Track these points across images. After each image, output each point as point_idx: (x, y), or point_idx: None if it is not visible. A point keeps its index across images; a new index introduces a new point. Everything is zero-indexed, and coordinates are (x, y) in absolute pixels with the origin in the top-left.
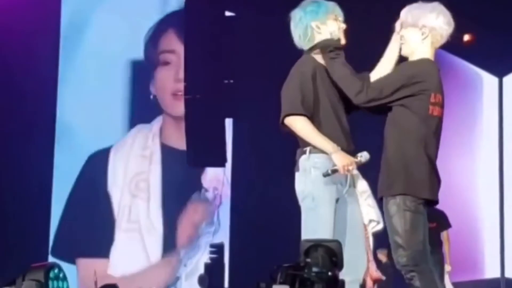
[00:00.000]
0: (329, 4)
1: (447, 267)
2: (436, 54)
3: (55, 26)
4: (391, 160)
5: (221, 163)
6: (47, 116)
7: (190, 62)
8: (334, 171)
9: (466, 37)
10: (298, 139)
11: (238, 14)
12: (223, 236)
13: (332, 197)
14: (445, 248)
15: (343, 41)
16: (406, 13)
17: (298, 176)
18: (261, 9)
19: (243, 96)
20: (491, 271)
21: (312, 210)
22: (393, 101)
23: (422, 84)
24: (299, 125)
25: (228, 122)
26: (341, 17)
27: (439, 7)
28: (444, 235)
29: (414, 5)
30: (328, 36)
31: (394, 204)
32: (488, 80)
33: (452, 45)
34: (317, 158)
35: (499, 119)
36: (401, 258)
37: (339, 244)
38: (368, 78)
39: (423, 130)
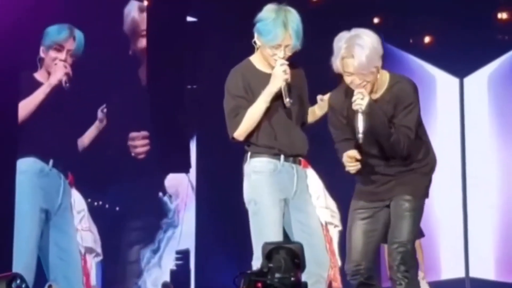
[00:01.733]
0: None
1: (421, 274)
2: (397, 56)
3: None
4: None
5: (185, 169)
6: None
7: (152, 68)
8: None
9: (426, 39)
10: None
11: (200, 19)
12: (189, 242)
13: (275, 199)
14: (419, 256)
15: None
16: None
17: (244, 181)
18: (223, 13)
19: (206, 101)
20: (456, 271)
21: (256, 214)
22: None
23: None
24: (240, 129)
25: (192, 128)
26: None
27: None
28: (417, 243)
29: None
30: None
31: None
32: (449, 81)
33: (412, 47)
34: (256, 162)
35: (460, 120)
36: None
37: (300, 245)
38: None
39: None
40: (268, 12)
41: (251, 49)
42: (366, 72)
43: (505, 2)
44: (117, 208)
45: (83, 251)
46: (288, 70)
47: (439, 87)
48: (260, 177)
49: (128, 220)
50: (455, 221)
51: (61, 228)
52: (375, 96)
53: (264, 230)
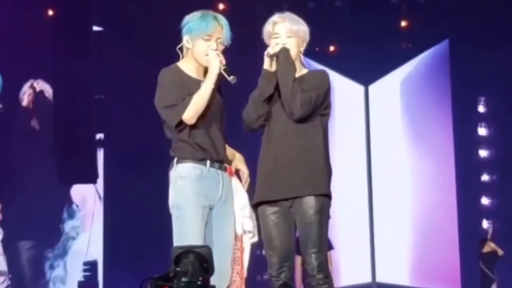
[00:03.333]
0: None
1: None
2: (305, 63)
3: None
4: (320, 161)
5: (92, 179)
6: None
7: (58, 77)
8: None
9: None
10: (171, 150)
11: (105, 28)
12: (97, 253)
13: (198, 205)
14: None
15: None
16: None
17: (170, 187)
18: (127, 23)
19: (113, 111)
20: (363, 276)
21: (178, 218)
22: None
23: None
24: (189, 111)
25: (99, 137)
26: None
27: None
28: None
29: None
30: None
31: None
32: (355, 89)
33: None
34: (182, 167)
35: (366, 126)
36: None
37: (209, 249)
38: None
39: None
40: (194, 13)
41: (160, 61)
42: (293, 36)
43: (406, 10)
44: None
45: None
46: (220, 54)
47: (345, 94)
48: (185, 182)
49: (28, 232)
50: (361, 226)
51: None
52: None
53: (185, 236)
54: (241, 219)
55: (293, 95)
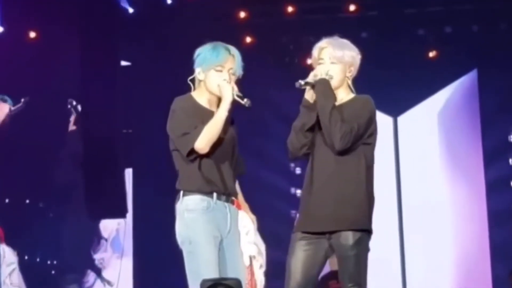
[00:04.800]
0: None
1: None
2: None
3: None
4: (360, 194)
5: (122, 214)
6: None
7: (85, 111)
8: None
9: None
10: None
11: (133, 63)
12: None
13: (210, 237)
14: None
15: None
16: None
17: (176, 220)
18: (155, 57)
19: (142, 145)
20: None
21: (191, 253)
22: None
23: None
24: (202, 139)
25: (128, 172)
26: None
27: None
28: None
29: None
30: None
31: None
32: (384, 120)
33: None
34: (189, 200)
35: (395, 157)
36: None
37: (238, 281)
38: None
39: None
40: (205, 45)
41: (183, 90)
42: (336, 62)
43: (434, 41)
44: (49, 262)
45: None
46: (232, 83)
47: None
48: (193, 215)
49: (62, 273)
50: (391, 264)
51: None
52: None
53: (200, 269)
54: (246, 245)
55: (333, 126)
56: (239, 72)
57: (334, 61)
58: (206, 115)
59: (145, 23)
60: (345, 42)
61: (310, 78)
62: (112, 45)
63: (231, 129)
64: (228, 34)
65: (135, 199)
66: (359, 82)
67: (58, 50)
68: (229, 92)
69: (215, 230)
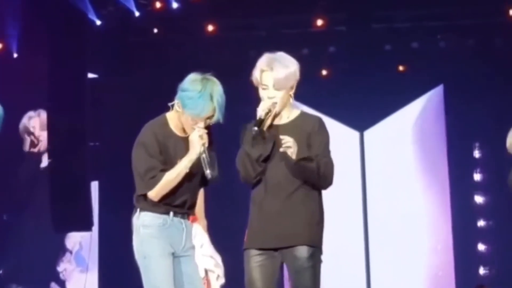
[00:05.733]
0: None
1: None
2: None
3: None
4: (318, 212)
5: (87, 227)
6: None
7: (52, 123)
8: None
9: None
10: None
11: (100, 75)
12: None
13: (164, 252)
14: None
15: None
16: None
17: (133, 235)
18: (123, 70)
19: (108, 159)
20: None
21: (146, 267)
22: None
23: None
24: (157, 190)
25: (94, 185)
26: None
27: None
28: None
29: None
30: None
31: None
32: (350, 135)
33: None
34: (145, 216)
35: (361, 172)
36: None
37: None
38: None
39: None
40: (194, 83)
41: (156, 108)
42: (280, 89)
43: (400, 56)
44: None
45: None
46: (205, 136)
47: (340, 140)
48: (149, 231)
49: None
50: (357, 277)
51: None
52: (280, 121)
53: (156, 283)
54: (200, 258)
55: (323, 179)
56: (220, 119)
57: (278, 88)
58: (176, 143)
59: (112, 35)
60: (286, 57)
61: (259, 115)
62: (80, 57)
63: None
64: (197, 47)
65: (101, 212)
66: (326, 97)
67: (25, 62)
68: (197, 151)
69: (170, 247)
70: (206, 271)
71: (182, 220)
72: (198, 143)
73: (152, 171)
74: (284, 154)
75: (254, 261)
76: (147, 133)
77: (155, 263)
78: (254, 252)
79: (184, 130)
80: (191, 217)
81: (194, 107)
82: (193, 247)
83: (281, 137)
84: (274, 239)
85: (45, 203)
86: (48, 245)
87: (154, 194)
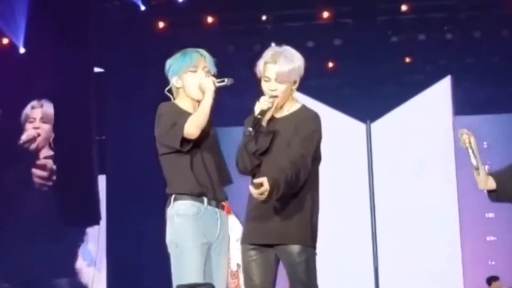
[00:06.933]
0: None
1: None
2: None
3: None
4: (310, 210)
5: (95, 221)
6: None
7: (59, 117)
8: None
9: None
10: (167, 187)
11: (107, 70)
12: None
13: (197, 243)
14: None
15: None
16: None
17: (167, 225)
18: (129, 64)
19: (115, 152)
20: None
21: (177, 257)
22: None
23: None
24: (191, 124)
25: (101, 179)
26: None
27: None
28: None
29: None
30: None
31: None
32: (356, 126)
33: (321, 93)
34: (180, 205)
35: (368, 164)
36: None
37: (211, 286)
38: None
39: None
40: (175, 54)
41: (158, 98)
42: (283, 82)
43: (407, 48)
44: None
45: None
46: (210, 77)
47: (347, 132)
48: (183, 220)
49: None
50: (364, 269)
51: None
52: (280, 114)
53: (184, 274)
54: (236, 252)
55: (303, 176)
56: (213, 69)
57: (280, 81)
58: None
59: (118, 29)
60: (291, 52)
61: (257, 113)
62: (86, 51)
63: (213, 132)
64: (201, 40)
65: (109, 206)
66: (332, 90)
67: (32, 57)
68: (210, 83)
69: (204, 237)
70: (238, 265)
71: (217, 209)
72: (207, 79)
73: (180, 117)
74: (267, 198)
75: (249, 255)
76: (164, 106)
77: (186, 254)
78: (249, 247)
79: (194, 108)
80: (225, 208)
81: (183, 61)
82: (227, 239)
83: (255, 191)
84: (266, 236)
85: (49, 200)
86: (54, 240)
87: (191, 129)
